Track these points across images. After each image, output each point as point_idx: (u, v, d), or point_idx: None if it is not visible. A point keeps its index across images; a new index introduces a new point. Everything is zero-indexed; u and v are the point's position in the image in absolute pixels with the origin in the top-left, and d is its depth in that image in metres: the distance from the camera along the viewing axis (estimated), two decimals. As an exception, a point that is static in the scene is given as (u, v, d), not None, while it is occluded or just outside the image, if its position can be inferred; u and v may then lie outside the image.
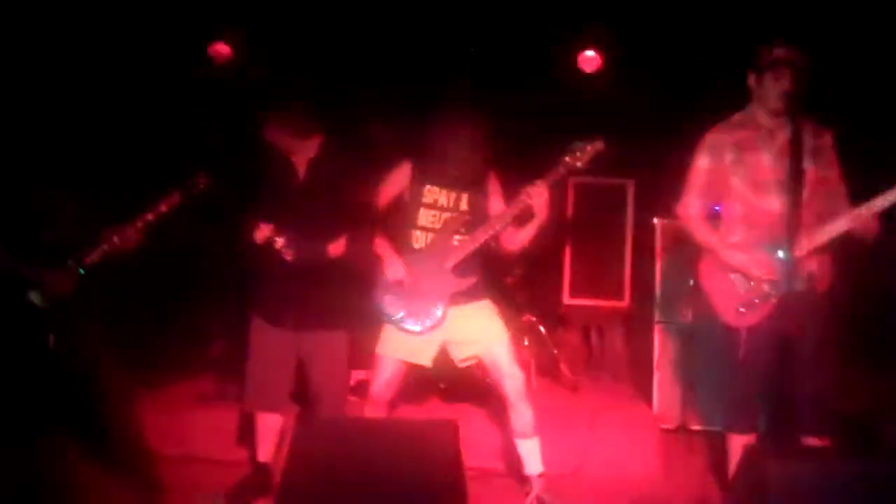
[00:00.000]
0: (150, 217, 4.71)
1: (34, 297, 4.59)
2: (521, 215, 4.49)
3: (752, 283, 4.25)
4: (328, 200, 4.73)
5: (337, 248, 4.74)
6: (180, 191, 4.76)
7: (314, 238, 4.71)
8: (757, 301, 4.23)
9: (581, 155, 4.41)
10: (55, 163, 4.84)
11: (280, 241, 4.60)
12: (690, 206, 4.45)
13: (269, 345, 4.81)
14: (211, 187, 4.84)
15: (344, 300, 4.81)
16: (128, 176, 5.74)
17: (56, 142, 4.97)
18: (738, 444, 4.21)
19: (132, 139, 6.56)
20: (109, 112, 6.31)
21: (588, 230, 6.81)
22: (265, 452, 4.93)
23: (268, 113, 4.73)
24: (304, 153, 4.79)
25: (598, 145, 4.41)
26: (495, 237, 4.62)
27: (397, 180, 4.71)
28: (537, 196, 4.39)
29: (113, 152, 5.92)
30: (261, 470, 4.92)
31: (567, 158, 4.42)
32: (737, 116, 4.43)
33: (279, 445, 4.86)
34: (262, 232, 4.62)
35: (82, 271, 4.62)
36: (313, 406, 4.87)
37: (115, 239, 4.65)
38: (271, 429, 4.91)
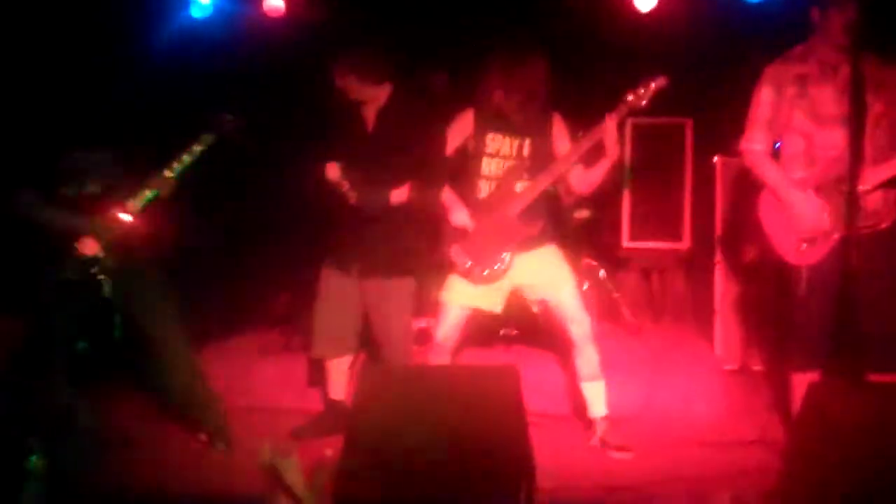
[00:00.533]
0: (182, 160, 4.68)
1: (84, 246, 4.64)
2: (587, 157, 4.48)
3: (814, 220, 4.20)
4: (395, 149, 4.74)
5: (400, 195, 4.76)
6: (208, 132, 4.71)
7: (380, 185, 4.74)
8: (819, 238, 4.19)
9: (644, 92, 4.37)
10: (90, 119, 4.93)
11: (345, 184, 4.65)
12: (754, 141, 4.38)
13: (336, 291, 4.91)
14: (241, 128, 4.86)
15: (409, 248, 4.87)
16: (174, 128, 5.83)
17: (97, 94, 5.03)
18: (801, 382, 4.16)
19: (186, 90, 6.62)
20: (158, 63, 6.38)
21: (647, 171, 6.75)
22: (337, 391, 5.05)
23: (339, 58, 4.76)
24: (373, 101, 4.82)
25: (661, 82, 4.37)
26: (561, 181, 4.61)
27: (460, 130, 4.70)
28: (607, 133, 4.36)
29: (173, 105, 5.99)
30: (333, 407, 5.05)
31: (630, 97, 4.39)
32: (798, 49, 4.35)
33: (350, 385, 4.96)
34: (333, 171, 4.66)
35: (129, 217, 4.65)
36: (378, 352, 4.94)
37: (152, 183, 4.65)
38: (341, 370, 5.04)
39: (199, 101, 6.35)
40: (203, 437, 4.92)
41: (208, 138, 4.69)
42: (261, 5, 7.03)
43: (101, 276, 4.67)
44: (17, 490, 3.92)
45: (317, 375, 5.31)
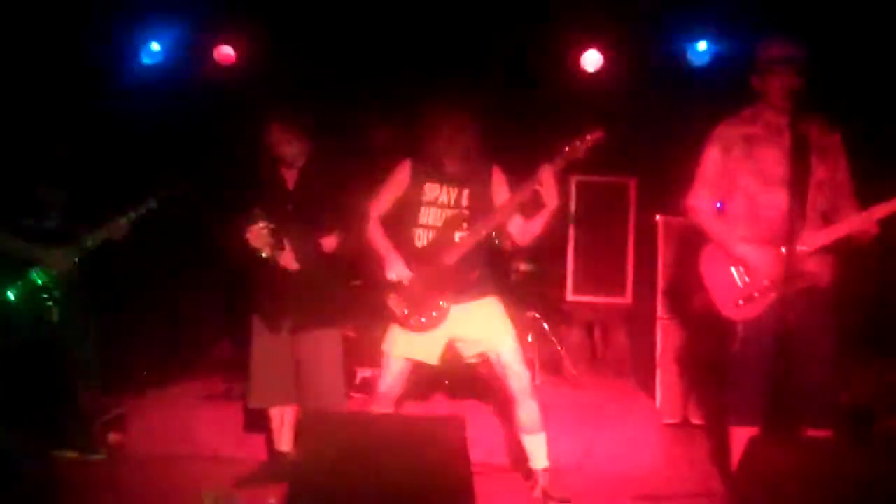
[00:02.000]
0: (132, 215, 5.28)
1: (36, 273, 5.17)
2: (528, 208, 4.52)
3: (752, 278, 4.29)
4: (319, 203, 4.83)
5: (329, 243, 4.85)
6: (158, 195, 5.27)
7: (306, 241, 4.80)
8: (756, 295, 4.27)
9: (581, 144, 4.40)
10: (51, 157, 5.33)
11: (269, 248, 4.69)
12: (700, 198, 4.46)
13: (269, 343, 4.93)
14: (191, 192, 5.13)
15: (337, 299, 4.95)
16: (124, 171, 5.95)
17: (54, 137, 5.30)
18: (740, 436, 4.23)
19: (134, 136, 6.66)
20: (106, 110, 6.44)
21: (591, 227, 6.85)
22: (281, 442, 5.06)
23: (270, 119, 4.83)
24: (298, 157, 4.88)
25: (598, 134, 4.40)
26: (500, 230, 4.66)
27: (398, 180, 4.73)
28: (544, 182, 4.38)
29: (112, 150, 6.08)
30: (277, 457, 5.05)
31: (567, 148, 4.42)
32: (747, 111, 4.44)
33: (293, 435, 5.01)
34: (254, 235, 4.68)
35: (79, 254, 5.23)
36: (312, 403, 4.92)
37: (105, 229, 5.23)
38: (285, 420, 5.05)
39: (148, 145, 6.44)
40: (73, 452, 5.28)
41: (162, 194, 5.23)
42: (212, 52, 7.07)
43: (50, 304, 5.19)
44: None
45: (258, 423, 5.29)
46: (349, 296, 5.00)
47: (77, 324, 5.36)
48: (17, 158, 5.24)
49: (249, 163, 4.98)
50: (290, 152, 4.85)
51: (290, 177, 4.92)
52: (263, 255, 4.67)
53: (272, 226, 4.63)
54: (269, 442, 5.15)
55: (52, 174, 5.28)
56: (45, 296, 5.19)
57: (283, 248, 4.70)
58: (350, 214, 4.77)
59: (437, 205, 4.65)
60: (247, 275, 4.98)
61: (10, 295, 5.10)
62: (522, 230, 4.61)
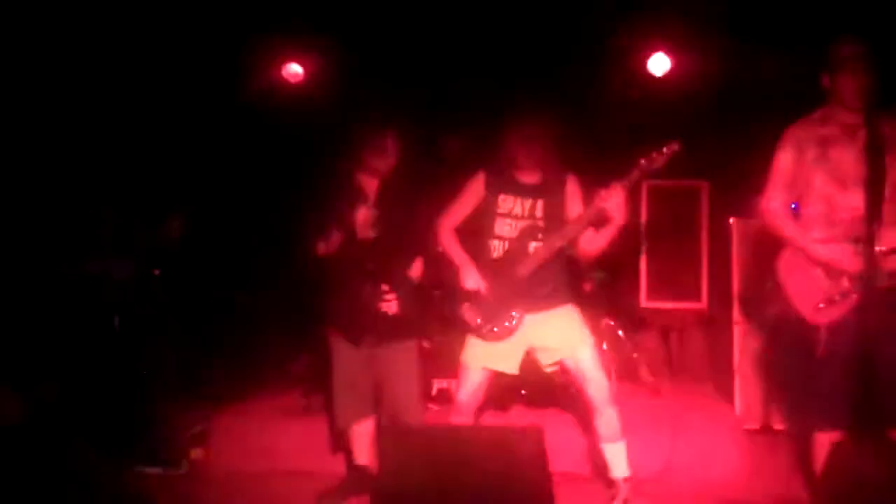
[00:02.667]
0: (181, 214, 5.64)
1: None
2: (598, 219, 4.51)
3: (832, 280, 4.23)
4: (401, 222, 4.88)
5: (416, 271, 4.96)
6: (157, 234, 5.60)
7: (390, 258, 4.86)
8: (837, 298, 4.20)
9: (657, 157, 4.38)
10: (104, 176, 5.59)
11: (387, 294, 4.82)
12: (774, 200, 4.41)
13: (348, 361, 4.98)
14: (189, 228, 5.53)
15: (414, 312, 4.96)
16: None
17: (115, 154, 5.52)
18: (823, 441, 4.16)
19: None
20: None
21: (663, 233, 6.81)
22: (361, 456, 5.08)
23: (385, 124, 4.89)
24: (381, 173, 4.91)
25: (675, 146, 4.38)
26: (572, 242, 4.66)
27: (472, 192, 4.76)
28: (613, 198, 4.38)
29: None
30: (358, 471, 5.07)
31: (643, 161, 4.40)
32: (819, 112, 4.39)
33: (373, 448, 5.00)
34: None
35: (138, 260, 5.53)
36: (391, 417, 4.97)
37: (158, 230, 5.56)
38: (364, 434, 5.07)
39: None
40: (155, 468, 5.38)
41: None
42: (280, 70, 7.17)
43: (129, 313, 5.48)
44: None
45: (338, 438, 5.34)
46: (427, 307, 5.03)
47: (147, 335, 5.47)
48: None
49: (329, 174, 5.03)
50: (391, 165, 4.89)
51: (371, 188, 4.94)
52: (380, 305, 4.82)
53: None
54: (349, 456, 5.19)
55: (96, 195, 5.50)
56: (110, 307, 5.40)
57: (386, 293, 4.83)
58: (430, 235, 4.83)
59: (512, 216, 4.67)
60: (324, 289, 5.03)
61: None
62: (590, 241, 4.60)
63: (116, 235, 5.45)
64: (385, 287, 4.82)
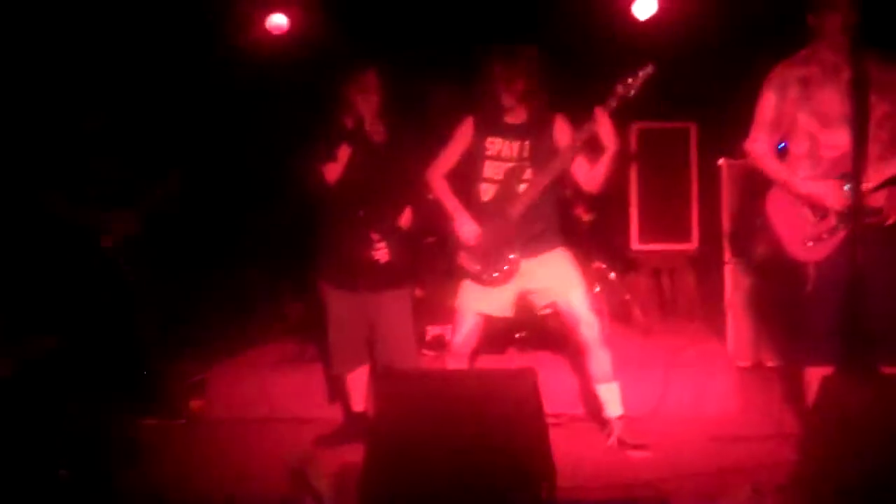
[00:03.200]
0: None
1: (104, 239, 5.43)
2: (590, 150, 4.50)
3: (819, 218, 4.26)
4: (396, 171, 4.91)
5: (405, 220, 5.02)
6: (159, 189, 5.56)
7: (385, 203, 4.91)
8: (825, 235, 4.24)
9: (633, 81, 4.39)
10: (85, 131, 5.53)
11: (378, 242, 4.84)
12: (759, 141, 4.44)
13: (343, 308, 5.02)
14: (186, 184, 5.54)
15: (405, 260, 5.01)
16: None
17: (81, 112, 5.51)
18: (814, 377, 4.19)
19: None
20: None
21: (653, 174, 6.81)
22: (357, 403, 5.16)
23: (366, 66, 4.89)
24: (376, 116, 4.89)
25: (649, 69, 4.38)
26: (563, 178, 4.67)
27: (461, 137, 4.77)
28: (601, 124, 4.39)
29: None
30: (355, 418, 5.14)
31: (619, 87, 4.40)
32: (802, 52, 4.40)
33: (369, 394, 5.06)
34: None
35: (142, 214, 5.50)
36: (387, 364, 5.00)
37: (160, 183, 5.52)
38: (360, 381, 5.14)
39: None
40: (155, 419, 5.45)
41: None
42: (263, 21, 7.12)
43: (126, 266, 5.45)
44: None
45: (333, 384, 5.40)
46: (419, 255, 5.06)
47: (147, 288, 5.53)
48: (56, 137, 5.45)
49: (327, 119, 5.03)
50: (375, 105, 4.87)
51: (375, 132, 4.92)
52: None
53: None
54: (345, 402, 5.24)
55: (96, 146, 5.45)
56: (117, 261, 5.43)
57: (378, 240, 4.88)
58: (419, 183, 4.86)
59: (501, 158, 4.68)
60: (317, 236, 5.06)
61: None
62: (589, 176, 4.60)
63: (119, 187, 5.45)
64: (376, 236, 4.84)
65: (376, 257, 4.85)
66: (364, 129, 4.86)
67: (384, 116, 4.91)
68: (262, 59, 6.99)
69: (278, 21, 7.11)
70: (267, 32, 7.12)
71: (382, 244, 4.85)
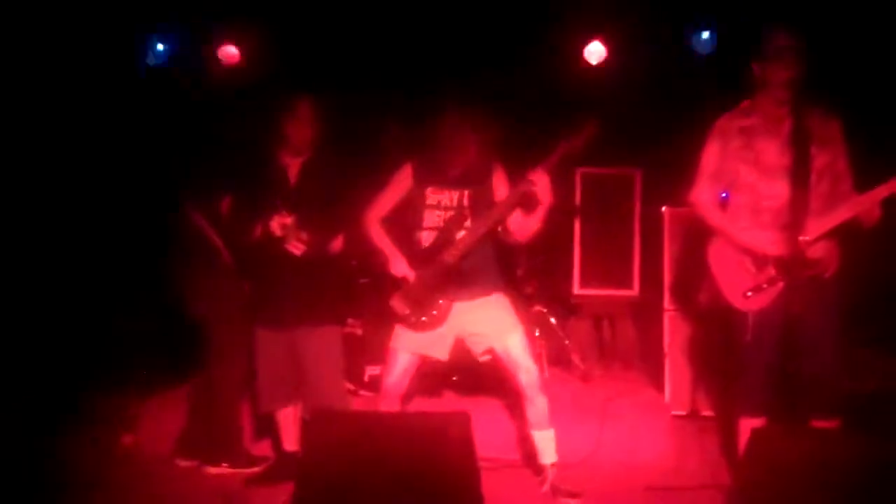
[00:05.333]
0: None
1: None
2: (526, 203, 4.52)
3: (759, 268, 4.30)
4: (321, 200, 4.85)
5: (336, 245, 4.93)
6: None
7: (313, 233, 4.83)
8: (765, 286, 4.27)
9: (576, 138, 4.42)
10: None
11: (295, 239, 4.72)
12: (702, 193, 4.48)
13: (271, 346, 4.95)
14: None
15: (335, 297, 4.99)
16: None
17: None
18: (747, 427, 4.21)
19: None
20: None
21: (596, 220, 6.84)
22: (289, 442, 5.08)
23: (299, 97, 4.87)
24: (307, 147, 4.90)
25: (592, 127, 4.42)
26: (497, 228, 4.66)
27: (399, 183, 4.75)
28: (537, 182, 4.40)
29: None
30: (286, 457, 5.06)
31: (563, 142, 4.43)
32: (745, 104, 4.45)
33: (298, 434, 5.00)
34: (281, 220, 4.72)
35: None
36: (312, 400, 4.91)
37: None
38: (291, 420, 5.07)
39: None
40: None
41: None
42: (216, 52, 7.10)
43: None
44: None
45: (265, 423, 5.31)
46: (350, 293, 5.00)
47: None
48: None
49: (248, 155, 4.99)
50: (308, 136, 4.86)
51: (294, 167, 4.92)
52: (286, 245, 4.72)
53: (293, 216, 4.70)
54: (276, 441, 5.17)
55: None
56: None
57: (304, 241, 4.74)
58: (354, 214, 4.80)
59: (440, 208, 4.67)
60: (249, 272, 5.03)
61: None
62: (521, 226, 4.62)
63: None
64: (302, 236, 4.76)
65: (290, 249, 4.74)
66: (300, 166, 4.88)
67: (317, 147, 4.90)
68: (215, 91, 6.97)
69: (230, 50, 7.10)
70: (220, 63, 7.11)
71: (302, 244, 4.77)
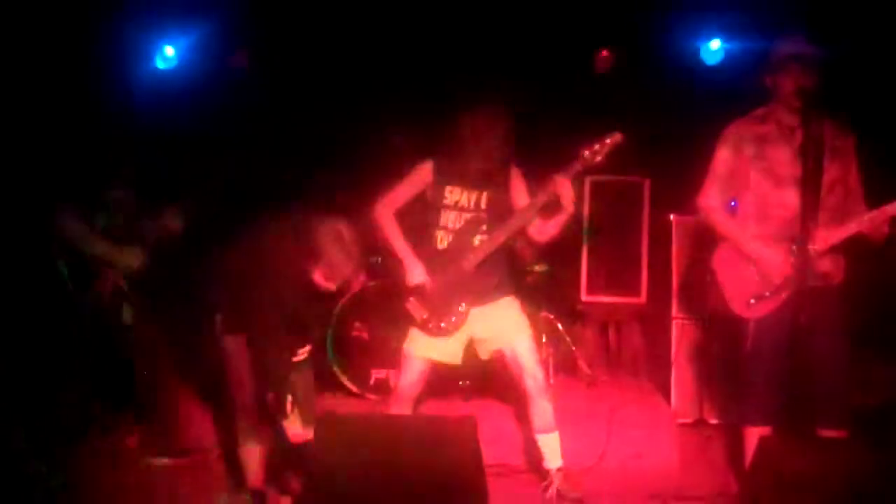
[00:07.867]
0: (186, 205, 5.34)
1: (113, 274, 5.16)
2: (545, 210, 4.53)
3: (764, 277, 4.29)
4: None
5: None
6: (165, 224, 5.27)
7: None
8: (768, 294, 4.28)
9: (599, 148, 4.42)
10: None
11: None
12: (711, 197, 4.48)
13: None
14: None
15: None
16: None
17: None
18: (753, 436, 4.22)
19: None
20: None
21: (605, 228, 6.84)
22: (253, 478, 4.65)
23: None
24: None
25: (616, 138, 4.42)
26: (518, 234, 4.68)
27: (418, 180, 4.74)
28: (561, 189, 4.40)
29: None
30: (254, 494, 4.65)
31: (586, 152, 4.43)
32: (759, 111, 4.45)
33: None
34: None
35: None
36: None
37: (163, 223, 5.24)
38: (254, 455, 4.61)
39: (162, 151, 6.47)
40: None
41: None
42: (226, 58, 7.10)
43: (124, 303, 5.19)
44: None
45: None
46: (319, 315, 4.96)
47: (147, 327, 5.32)
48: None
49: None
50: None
51: None
52: None
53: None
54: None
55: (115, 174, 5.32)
56: (121, 297, 5.19)
57: None
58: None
59: (458, 208, 4.68)
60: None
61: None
62: (540, 229, 4.63)
63: (126, 221, 5.25)
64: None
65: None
66: None
67: None
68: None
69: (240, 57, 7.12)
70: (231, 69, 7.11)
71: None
